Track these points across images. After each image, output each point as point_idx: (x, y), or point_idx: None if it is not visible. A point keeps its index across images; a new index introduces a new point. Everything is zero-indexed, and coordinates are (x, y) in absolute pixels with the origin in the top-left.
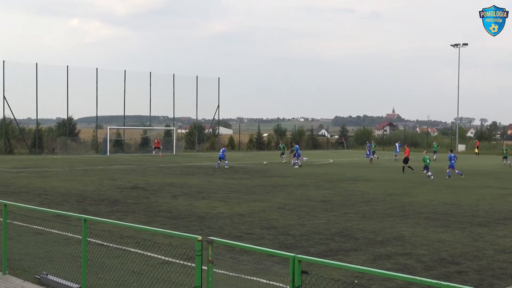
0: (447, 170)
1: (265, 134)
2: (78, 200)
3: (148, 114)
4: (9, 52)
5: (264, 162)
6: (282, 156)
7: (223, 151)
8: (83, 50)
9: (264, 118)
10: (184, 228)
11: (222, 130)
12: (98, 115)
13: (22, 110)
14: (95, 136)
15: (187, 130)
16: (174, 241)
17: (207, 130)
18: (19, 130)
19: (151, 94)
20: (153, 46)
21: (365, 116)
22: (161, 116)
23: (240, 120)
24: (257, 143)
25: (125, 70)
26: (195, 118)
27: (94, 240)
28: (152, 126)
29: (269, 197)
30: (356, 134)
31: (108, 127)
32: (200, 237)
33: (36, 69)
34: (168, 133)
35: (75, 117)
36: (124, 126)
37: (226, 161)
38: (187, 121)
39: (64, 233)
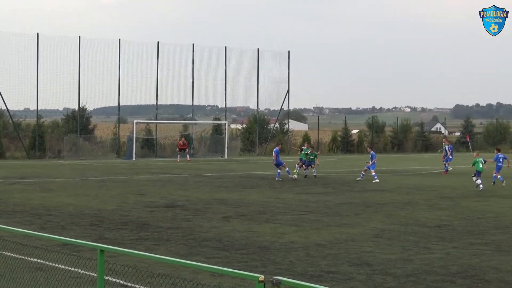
0: None
1: (355, 131)
2: (93, 223)
3: (190, 103)
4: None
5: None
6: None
7: (277, 152)
8: (98, 15)
9: (353, 108)
10: (239, 263)
11: (294, 125)
12: (120, 104)
13: (17, 98)
14: (117, 133)
15: (244, 125)
16: (226, 281)
17: (272, 125)
18: (13, 126)
19: (194, 74)
20: (195, 10)
21: (499, 104)
22: (208, 106)
23: (318, 110)
24: (344, 143)
25: (158, 42)
26: (255, 108)
27: (114, 280)
28: (196, 120)
29: (360, 220)
30: (486, 129)
31: (135, 121)
32: (262, 277)
33: (37, 41)
34: (218, 130)
35: (90, 107)
36: (156, 119)
37: (287, 169)
38: (244, 112)
39: (73, 268)
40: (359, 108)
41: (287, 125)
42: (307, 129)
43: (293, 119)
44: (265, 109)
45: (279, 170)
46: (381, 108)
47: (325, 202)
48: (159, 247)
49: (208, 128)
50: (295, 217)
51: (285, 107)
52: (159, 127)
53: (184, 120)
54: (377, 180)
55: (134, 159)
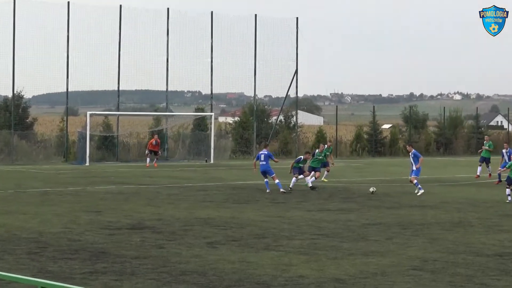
0: None
1: (386, 126)
2: (31, 251)
3: (163, 88)
4: None
5: (371, 189)
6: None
7: (266, 156)
8: None
9: (384, 95)
10: None
11: (304, 118)
12: (69, 90)
13: None
14: (65, 129)
15: (236, 119)
16: None
17: (274, 118)
18: None
19: (169, 49)
20: None
21: None
22: (188, 92)
23: (337, 98)
24: (371, 143)
25: (120, 5)
26: (252, 95)
27: None
28: (171, 111)
29: (394, 246)
30: None
31: (89, 113)
32: None
33: None
34: (201, 124)
35: (28, 94)
36: (117, 110)
37: (277, 181)
38: (237, 101)
39: None
40: (391, 95)
41: (294, 117)
42: (322, 123)
43: (303, 110)
44: (265, 96)
45: (266, 179)
46: (421, 95)
47: (345, 222)
48: (121, 284)
49: (188, 122)
50: (305, 243)
51: (292, 94)
52: (122, 120)
53: (155, 111)
54: (422, 191)
55: (87, 163)
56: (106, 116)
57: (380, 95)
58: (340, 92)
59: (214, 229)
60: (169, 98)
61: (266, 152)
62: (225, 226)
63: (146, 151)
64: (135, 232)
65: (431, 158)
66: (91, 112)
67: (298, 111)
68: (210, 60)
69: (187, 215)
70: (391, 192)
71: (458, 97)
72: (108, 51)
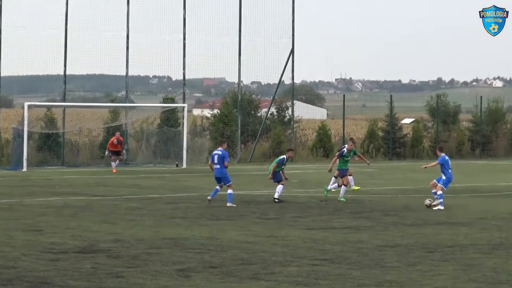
0: None
1: (407, 120)
2: None
3: (122, 73)
4: None
5: (427, 202)
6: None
7: (220, 157)
8: None
9: (404, 81)
10: None
11: (303, 110)
12: (1, 74)
13: None
14: None
15: (216, 111)
16: None
17: (264, 110)
18: None
19: (129, 22)
20: None
21: None
22: (154, 77)
23: (345, 85)
24: (388, 142)
25: None
26: (235, 81)
27: None
28: (133, 102)
29: (416, 274)
30: None
31: (27, 104)
32: None
33: None
34: (171, 119)
35: None
36: (63, 101)
37: (230, 191)
38: (216, 88)
39: None
40: (414, 81)
41: (290, 110)
42: (325, 117)
43: (301, 100)
44: (253, 83)
45: (217, 187)
46: (452, 81)
47: (355, 244)
48: None
49: (154, 116)
50: (303, 270)
51: (288, 80)
52: (69, 113)
53: (112, 102)
54: (441, 207)
55: (25, 169)
56: (48, 108)
57: (400, 81)
58: (348, 78)
59: (187, 253)
60: (129, 85)
61: (221, 152)
62: (201, 249)
63: (106, 152)
64: (85, 257)
65: (465, 161)
66: (29, 103)
67: (295, 101)
68: (182, 36)
69: (152, 235)
70: (413, 205)
71: (499, 83)
72: (52, 25)
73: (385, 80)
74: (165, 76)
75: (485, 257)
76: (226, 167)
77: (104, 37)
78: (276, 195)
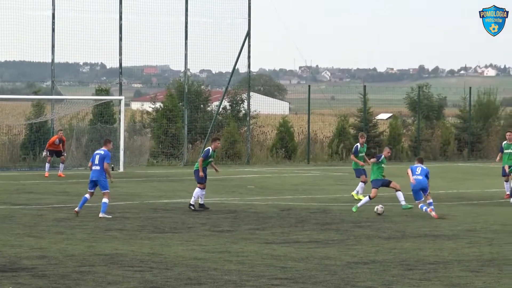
0: None
1: (384, 116)
2: None
3: (48, 59)
4: None
5: (378, 209)
6: None
7: (101, 158)
8: None
9: (380, 70)
10: None
11: (261, 103)
12: None
13: None
14: None
15: (159, 105)
16: None
17: (216, 104)
18: None
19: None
20: None
21: None
22: (85, 65)
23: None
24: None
25: None
26: (181, 69)
27: None
28: (60, 93)
29: None
30: None
31: None
32: None
33: None
34: (105, 113)
35: None
36: None
37: (105, 200)
38: (159, 78)
39: None
40: (391, 69)
41: (245, 103)
42: (288, 111)
43: (259, 92)
44: (202, 71)
45: (86, 196)
46: (436, 69)
47: (322, 260)
48: None
49: (85, 111)
50: None
51: (243, 68)
52: None
53: (35, 93)
54: (432, 213)
55: None
56: None
57: (375, 69)
58: (314, 66)
59: (125, 271)
60: (56, 73)
61: (103, 152)
62: (142, 267)
63: (44, 153)
64: (5, 276)
65: (450, 164)
66: None
67: (252, 93)
68: (118, 16)
69: (85, 251)
70: (390, 215)
71: (491, 72)
72: None
73: (357, 69)
74: (98, 63)
75: (474, 276)
76: (106, 171)
77: (25, 16)
78: (192, 200)
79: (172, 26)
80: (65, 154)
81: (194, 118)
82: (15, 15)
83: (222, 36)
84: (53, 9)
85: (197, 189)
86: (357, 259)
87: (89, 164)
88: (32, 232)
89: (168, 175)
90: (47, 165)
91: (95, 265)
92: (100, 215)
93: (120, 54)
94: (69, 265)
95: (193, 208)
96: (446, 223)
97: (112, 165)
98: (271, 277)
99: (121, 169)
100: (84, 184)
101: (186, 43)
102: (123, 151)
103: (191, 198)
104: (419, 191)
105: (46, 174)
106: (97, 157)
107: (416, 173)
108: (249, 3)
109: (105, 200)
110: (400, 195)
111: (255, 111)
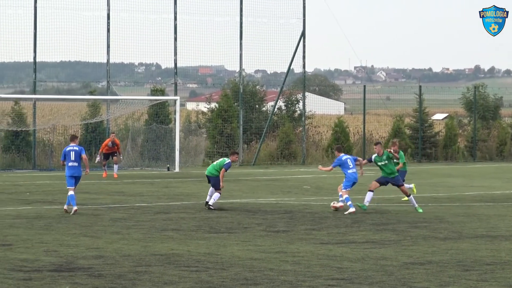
0: None
1: (439, 116)
2: None
3: (103, 60)
4: None
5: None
6: None
7: (77, 153)
8: None
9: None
10: None
11: (316, 103)
12: None
13: None
14: None
15: (214, 105)
16: None
17: (271, 104)
18: None
19: (110, 0)
20: None
21: None
22: (140, 65)
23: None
24: (417, 141)
25: None
26: (236, 69)
27: None
28: (116, 93)
29: None
30: None
31: None
32: None
33: None
34: (160, 114)
35: None
36: (34, 93)
37: (71, 193)
38: (214, 78)
39: None
40: (447, 69)
41: (300, 103)
42: (343, 112)
43: (314, 92)
44: (257, 71)
45: (71, 193)
46: (492, 69)
47: (378, 261)
48: None
49: (141, 111)
50: None
51: (298, 68)
52: (41, 107)
53: (91, 94)
54: (351, 210)
55: None
56: (16, 101)
57: (430, 69)
58: (369, 66)
59: (181, 272)
60: (111, 74)
61: (78, 148)
62: (198, 267)
63: (98, 158)
64: (62, 276)
65: (507, 164)
66: None
67: (307, 93)
68: (173, 17)
69: (141, 251)
70: (447, 215)
71: None
72: (19, 3)
73: (412, 69)
74: (153, 63)
75: None
76: (86, 163)
77: (81, 17)
78: (211, 201)
79: (227, 26)
80: (121, 156)
81: (249, 118)
82: (71, 15)
83: (277, 36)
84: (108, 10)
85: (218, 194)
86: (414, 259)
87: (61, 162)
88: (88, 232)
89: (224, 175)
90: (104, 167)
91: (151, 265)
92: (74, 207)
93: (175, 54)
94: (126, 265)
95: (212, 208)
96: (503, 224)
97: (168, 165)
98: (327, 278)
99: (177, 169)
100: (140, 184)
101: (241, 43)
102: (178, 151)
103: (249, 199)
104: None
105: (104, 174)
106: (73, 153)
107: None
108: (304, 3)
109: (71, 193)
110: (411, 200)
111: (310, 111)
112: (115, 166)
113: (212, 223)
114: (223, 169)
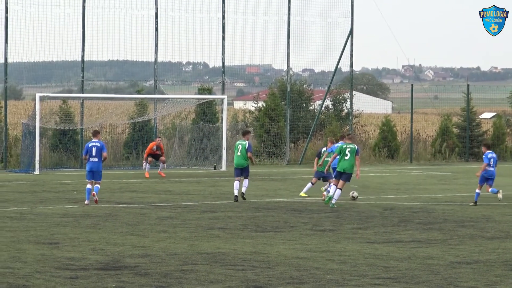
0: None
1: (488, 115)
2: None
3: (151, 59)
4: None
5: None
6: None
7: (99, 150)
8: None
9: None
10: None
11: (363, 102)
12: (8, 60)
13: None
14: (2, 120)
15: (261, 104)
16: None
17: (318, 102)
18: None
19: (159, 0)
20: None
21: None
22: (187, 64)
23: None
24: (465, 140)
25: None
26: (283, 68)
27: None
28: (163, 92)
29: None
30: None
31: (39, 95)
32: None
33: None
34: (207, 113)
35: None
36: (82, 92)
37: (98, 186)
38: (262, 77)
39: None
40: (495, 68)
41: (348, 102)
42: (390, 111)
43: (362, 91)
44: (304, 70)
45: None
46: None
47: (424, 260)
48: None
49: (188, 110)
50: None
51: (345, 67)
52: (88, 106)
53: (138, 92)
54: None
55: (37, 171)
56: (64, 100)
57: (478, 68)
58: (417, 65)
59: (228, 270)
60: (159, 73)
61: (99, 144)
62: (244, 266)
63: (144, 164)
64: (108, 275)
65: None
66: (42, 94)
67: (354, 92)
68: (221, 16)
69: (187, 249)
70: (494, 215)
71: None
72: (67, 2)
73: (460, 67)
74: (200, 62)
75: None
76: (104, 160)
77: (129, 16)
78: (244, 190)
79: (274, 25)
80: (163, 158)
81: (297, 117)
82: (119, 14)
83: (324, 35)
84: (156, 9)
85: (247, 181)
86: (460, 259)
87: (84, 156)
88: (135, 230)
89: (271, 174)
90: (146, 166)
91: (198, 263)
92: (95, 198)
93: (223, 53)
94: (172, 264)
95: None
96: None
97: (215, 164)
98: (374, 277)
99: (224, 168)
100: (187, 183)
101: (288, 42)
102: (225, 150)
103: (294, 198)
104: None
105: (147, 174)
106: (94, 149)
107: None
108: (352, 2)
109: (98, 186)
110: (333, 190)
111: (358, 110)
112: (161, 165)
113: (258, 222)
114: (249, 153)
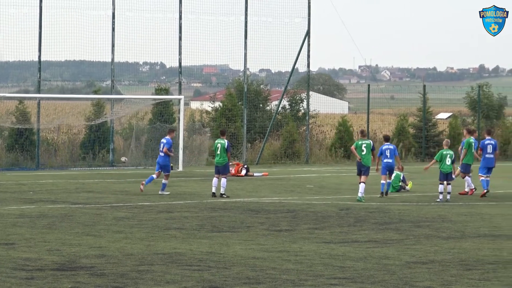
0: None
1: (443, 115)
2: None
3: (108, 59)
4: None
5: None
6: None
7: (168, 144)
8: None
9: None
10: None
11: (320, 102)
12: None
13: None
14: None
15: (218, 104)
16: None
17: (275, 103)
18: None
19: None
20: None
21: None
22: (145, 65)
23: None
24: (421, 140)
25: None
26: (241, 68)
27: None
28: (121, 93)
29: None
30: None
31: None
32: None
33: None
34: (164, 113)
35: None
36: (38, 92)
37: (165, 181)
38: (219, 77)
39: None
40: (451, 68)
41: (305, 102)
42: (347, 111)
43: (318, 91)
44: (261, 71)
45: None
46: (497, 68)
47: (380, 260)
48: None
49: (145, 110)
50: None
51: (302, 67)
52: (45, 107)
53: (95, 93)
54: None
55: None
56: (21, 100)
57: (434, 68)
58: (374, 65)
59: (184, 270)
60: (116, 73)
61: (166, 140)
62: (200, 266)
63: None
64: (64, 275)
65: (510, 163)
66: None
67: (311, 92)
68: (178, 16)
69: (144, 250)
70: (449, 214)
71: None
72: (24, 2)
73: (417, 68)
74: (157, 62)
75: None
76: (168, 155)
77: (86, 16)
78: (223, 190)
79: (231, 26)
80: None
81: (253, 117)
82: (76, 15)
83: (281, 35)
84: (113, 9)
85: (225, 180)
86: (416, 258)
87: (164, 149)
88: (91, 231)
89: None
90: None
91: (154, 264)
92: (160, 192)
93: (180, 53)
94: (128, 264)
95: (225, 196)
96: (506, 223)
97: (171, 164)
98: (330, 277)
99: (180, 168)
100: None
101: (245, 43)
102: (182, 150)
103: (252, 198)
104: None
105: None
106: (162, 145)
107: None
108: (309, 2)
109: (165, 181)
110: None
111: (314, 110)
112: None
113: (215, 222)
114: (228, 153)
